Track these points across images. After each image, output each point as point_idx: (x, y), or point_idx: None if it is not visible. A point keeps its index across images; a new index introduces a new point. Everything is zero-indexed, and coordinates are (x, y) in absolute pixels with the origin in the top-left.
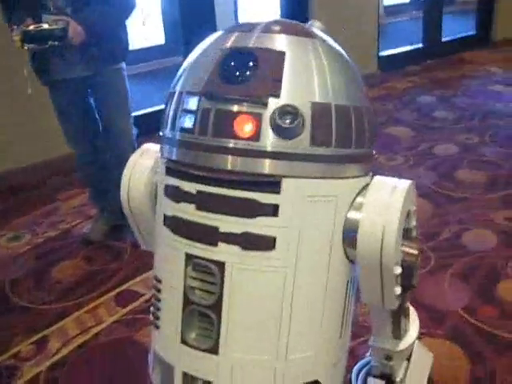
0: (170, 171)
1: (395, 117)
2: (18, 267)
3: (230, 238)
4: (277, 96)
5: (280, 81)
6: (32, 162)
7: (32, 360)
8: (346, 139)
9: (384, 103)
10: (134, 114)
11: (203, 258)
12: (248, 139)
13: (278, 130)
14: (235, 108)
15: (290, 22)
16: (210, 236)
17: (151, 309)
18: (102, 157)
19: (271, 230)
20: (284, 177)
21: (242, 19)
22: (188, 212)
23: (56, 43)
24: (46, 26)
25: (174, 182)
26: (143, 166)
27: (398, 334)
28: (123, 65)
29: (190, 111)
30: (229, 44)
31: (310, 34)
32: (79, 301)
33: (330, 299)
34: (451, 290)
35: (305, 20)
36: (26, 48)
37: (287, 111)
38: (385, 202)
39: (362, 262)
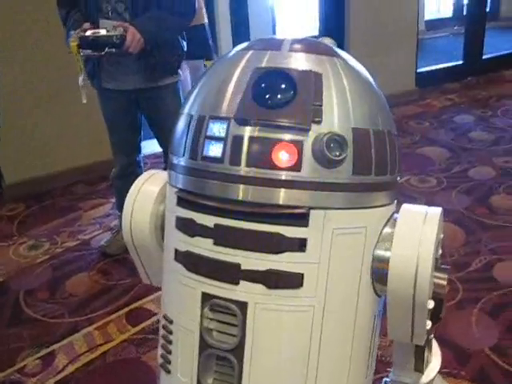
0: (182, 202)
1: (430, 136)
2: (34, 278)
3: (253, 276)
4: (319, 122)
5: (321, 105)
6: (57, 170)
7: (37, 376)
8: (383, 166)
9: (419, 121)
10: None
11: (223, 298)
12: (287, 169)
13: (322, 160)
14: (274, 135)
15: (314, 41)
16: (231, 274)
17: (160, 351)
18: (138, 171)
19: (298, 266)
20: (312, 208)
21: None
22: (205, 247)
23: (113, 50)
24: (103, 31)
25: (187, 214)
26: (148, 194)
27: (420, 367)
28: (180, 76)
29: (216, 138)
30: (260, 63)
31: (334, 54)
32: (91, 316)
33: (358, 337)
34: (479, 327)
35: (342, 36)
36: (81, 54)
37: (334, 139)
38: (417, 233)
39: (392, 298)
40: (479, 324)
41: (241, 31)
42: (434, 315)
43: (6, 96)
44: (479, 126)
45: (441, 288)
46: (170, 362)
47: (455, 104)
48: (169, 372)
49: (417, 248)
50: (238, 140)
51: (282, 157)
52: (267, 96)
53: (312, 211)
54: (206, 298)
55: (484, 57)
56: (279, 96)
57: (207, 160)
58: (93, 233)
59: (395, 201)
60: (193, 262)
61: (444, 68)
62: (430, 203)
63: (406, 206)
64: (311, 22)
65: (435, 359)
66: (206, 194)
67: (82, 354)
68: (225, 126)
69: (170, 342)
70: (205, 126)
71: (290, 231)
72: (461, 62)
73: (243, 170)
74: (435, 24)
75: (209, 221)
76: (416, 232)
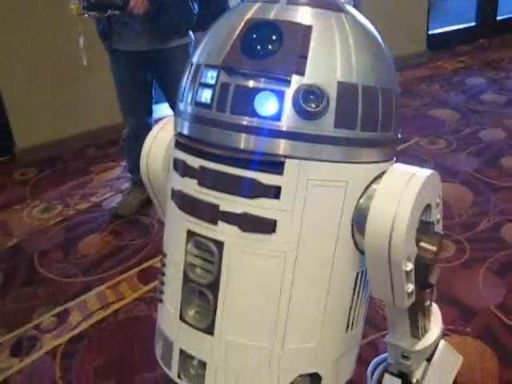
0: (178, 145)
1: (441, 98)
2: (48, 239)
3: (230, 218)
4: (301, 74)
5: (305, 57)
6: (69, 134)
7: (52, 332)
8: (372, 122)
9: (430, 84)
10: None
11: (203, 236)
12: (268, 118)
13: (301, 111)
14: (256, 84)
15: None
16: (211, 214)
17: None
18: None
19: (272, 212)
20: (288, 157)
21: None
22: (191, 187)
23: (116, 12)
24: None
25: (181, 155)
26: (163, 138)
27: (416, 333)
28: (190, 37)
29: (207, 85)
30: (251, 15)
31: (339, 8)
32: (103, 275)
33: (335, 290)
34: (485, 286)
35: None
36: (85, 15)
37: (312, 91)
38: (398, 190)
39: (369, 254)
40: (486, 283)
41: None
42: (420, 280)
43: (14, 61)
44: (490, 89)
45: (427, 253)
46: (162, 293)
47: (467, 66)
48: (161, 301)
49: (395, 205)
50: (225, 87)
51: (263, 106)
52: (253, 46)
53: (287, 160)
54: (191, 235)
55: (498, 18)
56: (264, 47)
57: (199, 105)
58: (104, 195)
59: (393, 159)
60: (181, 201)
61: (456, 30)
62: (439, 165)
63: (396, 165)
64: None
65: (435, 328)
66: (195, 138)
67: (94, 312)
68: (215, 74)
69: (164, 275)
70: (199, 74)
71: (266, 178)
72: (473, 24)
73: (228, 116)
74: None
75: (195, 162)
76: (397, 190)
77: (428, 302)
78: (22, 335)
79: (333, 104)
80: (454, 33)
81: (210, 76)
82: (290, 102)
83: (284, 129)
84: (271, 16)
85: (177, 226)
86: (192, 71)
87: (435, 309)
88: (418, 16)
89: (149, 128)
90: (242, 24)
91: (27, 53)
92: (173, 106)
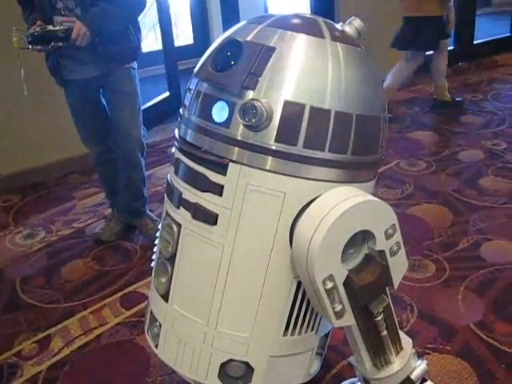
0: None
1: (420, 121)
2: (30, 265)
3: (187, 205)
4: (251, 89)
5: (257, 75)
6: (52, 160)
7: (34, 359)
8: (318, 141)
9: (410, 106)
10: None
11: (170, 217)
12: (220, 124)
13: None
14: (217, 94)
15: (306, 19)
16: (176, 199)
17: None
18: (115, 157)
19: (215, 207)
20: (231, 161)
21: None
22: (171, 175)
23: (60, 44)
24: (50, 27)
25: (173, 148)
26: None
27: (375, 361)
28: (134, 64)
29: (189, 90)
30: (231, 33)
31: (318, 34)
32: (85, 301)
33: (268, 289)
34: (464, 304)
35: (333, 19)
36: (29, 48)
37: (253, 106)
38: (322, 212)
39: (297, 267)
40: (465, 301)
41: (230, 17)
42: (355, 303)
43: None
44: (469, 110)
45: (359, 279)
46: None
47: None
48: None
49: (312, 231)
50: (197, 94)
51: (217, 113)
52: (218, 61)
53: (231, 164)
54: (167, 215)
55: (475, 42)
56: (226, 62)
57: (183, 106)
58: (87, 221)
59: (356, 181)
60: (166, 186)
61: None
62: (418, 186)
63: (333, 190)
64: (303, 6)
65: (399, 361)
66: (179, 134)
67: (76, 338)
68: (195, 82)
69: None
70: (189, 80)
71: (213, 176)
72: (452, 48)
73: (195, 118)
74: None
75: (176, 155)
76: (318, 216)
77: (384, 333)
78: (3, 362)
79: (276, 120)
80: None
81: (194, 83)
82: (238, 113)
83: (230, 136)
84: (243, 36)
85: (164, 207)
86: (191, 78)
87: (406, 343)
88: None
89: (110, 153)
90: (221, 40)
91: (5, 80)
92: (114, 128)
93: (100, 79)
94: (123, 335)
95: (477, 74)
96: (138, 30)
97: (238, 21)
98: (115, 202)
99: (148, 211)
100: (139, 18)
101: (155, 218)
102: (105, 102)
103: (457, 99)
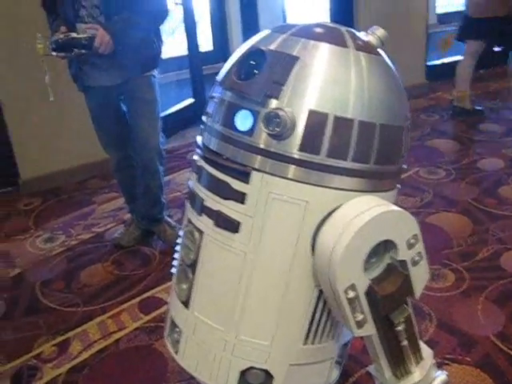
0: (197, 146)
1: (440, 129)
2: (50, 269)
3: (209, 212)
4: (275, 98)
5: (281, 84)
6: (73, 165)
7: (53, 362)
8: (340, 151)
9: (430, 114)
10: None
11: (192, 224)
12: (244, 133)
13: (269, 131)
14: (238, 102)
15: (329, 28)
16: (199, 206)
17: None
18: (133, 164)
19: (237, 215)
20: (254, 170)
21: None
22: (194, 182)
23: (82, 51)
24: (74, 34)
25: (196, 155)
26: None
27: (395, 371)
28: (154, 72)
29: (213, 98)
30: (255, 42)
31: (341, 43)
32: (104, 305)
33: (290, 298)
34: (484, 315)
35: (351, 26)
36: (53, 55)
37: (277, 115)
38: (345, 221)
39: (319, 276)
40: (485, 312)
41: (250, 25)
42: (375, 313)
43: (15, 93)
44: (490, 118)
45: (381, 289)
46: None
47: None
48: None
49: (338, 234)
50: (221, 102)
51: (240, 121)
52: (242, 70)
53: (253, 172)
54: (189, 222)
55: (496, 49)
56: (249, 71)
57: (206, 114)
58: (106, 225)
59: (379, 191)
60: (188, 193)
61: (454, 61)
62: (437, 194)
63: (357, 199)
64: (322, 15)
65: (419, 371)
66: (202, 142)
67: (95, 342)
68: (219, 90)
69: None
70: (213, 88)
71: (236, 184)
72: None
73: (219, 126)
74: (448, 17)
75: (199, 162)
76: (346, 219)
77: (405, 343)
78: (23, 365)
79: (299, 129)
80: (452, 64)
81: (217, 91)
82: (262, 121)
83: (254, 144)
84: (267, 45)
85: (185, 213)
86: (214, 86)
87: (426, 354)
88: (416, 48)
89: (130, 160)
90: (245, 50)
91: (28, 83)
92: (133, 135)
93: (120, 86)
94: (141, 340)
95: (497, 82)
96: (159, 38)
97: (257, 29)
98: (134, 208)
99: (166, 217)
100: (161, 27)
101: (174, 223)
102: (125, 107)
103: (477, 108)
